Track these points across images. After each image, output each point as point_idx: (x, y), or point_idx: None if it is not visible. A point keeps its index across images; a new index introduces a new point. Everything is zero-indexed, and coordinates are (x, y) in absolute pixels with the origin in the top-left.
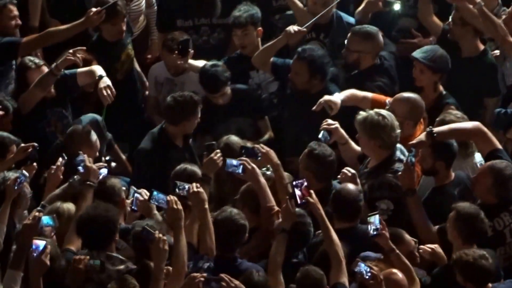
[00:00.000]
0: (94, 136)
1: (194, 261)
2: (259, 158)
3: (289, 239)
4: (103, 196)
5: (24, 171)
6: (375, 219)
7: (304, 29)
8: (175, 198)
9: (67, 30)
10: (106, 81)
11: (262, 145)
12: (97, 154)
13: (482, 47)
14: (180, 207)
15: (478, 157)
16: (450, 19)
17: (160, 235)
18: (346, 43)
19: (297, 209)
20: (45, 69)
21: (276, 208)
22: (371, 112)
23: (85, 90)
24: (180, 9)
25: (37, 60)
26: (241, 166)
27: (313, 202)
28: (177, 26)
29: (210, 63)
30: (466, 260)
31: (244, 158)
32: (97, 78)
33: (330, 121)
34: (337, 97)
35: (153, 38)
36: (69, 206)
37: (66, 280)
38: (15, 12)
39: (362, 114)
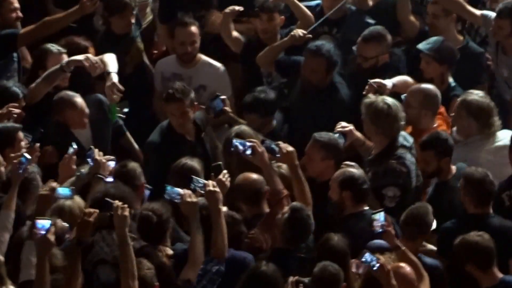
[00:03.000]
0: (79, 99)
1: (204, 263)
2: (278, 155)
3: (290, 231)
4: (123, 179)
5: (26, 154)
6: (380, 216)
7: (310, 36)
8: (189, 192)
9: (63, 18)
10: (112, 78)
11: (286, 144)
12: (86, 120)
13: (461, 37)
14: (194, 199)
15: (501, 135)
16: (428, 15)
17: (119, 203)
18: (360, 51)
19: (295, 203)
20: (65, 57)
21: (285, 191)
22: (379, 98)
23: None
24: (181, 1)
25: (58, 47)
26: (251, 148)
27: None
28: (178, 18)
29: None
30: (465, 240)
31: (254, 140)
32: (105, 74)
33: (344, 123)
34: (389, 82)
35: (159, 32)
36: (73, 204)
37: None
38: (16, 4)
39: (370, 98)
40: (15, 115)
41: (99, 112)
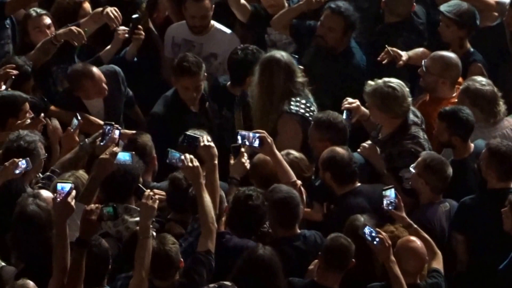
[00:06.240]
0: (94, 68)
1: (192, 222)
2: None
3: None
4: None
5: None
6: (390, 193)
7: None
8: (191, 156)
9: None
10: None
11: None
12: (105, 86)
13: (497, 14)
14: (196, 164)
15: (506, 123)
16: None
17: (150, 192)
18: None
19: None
20: (46, 18)
21: (299, 182)
22: (380, 82)
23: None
24: None
25: (38, 10)
26: (259, 139)
27: None
28: None
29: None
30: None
31: (261, 131)
32: (100, 12)
33: (350, 99)
34: (405, 53)
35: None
36: (77, 180)
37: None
38: None
39: (370, 85)
40: (14, 77)
41: (112, 83)
